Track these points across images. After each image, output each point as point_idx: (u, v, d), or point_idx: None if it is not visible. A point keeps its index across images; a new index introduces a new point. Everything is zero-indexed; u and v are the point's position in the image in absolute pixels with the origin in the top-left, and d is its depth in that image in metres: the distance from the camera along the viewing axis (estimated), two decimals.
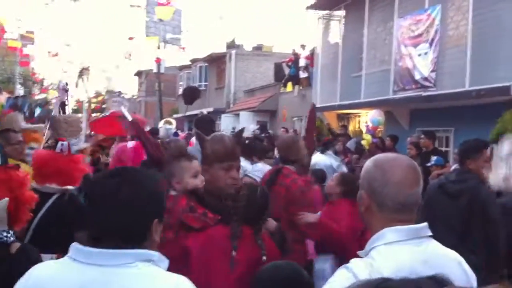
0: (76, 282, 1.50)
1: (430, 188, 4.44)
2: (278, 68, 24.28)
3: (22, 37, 28.89)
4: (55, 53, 34.49)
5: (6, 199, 2.44)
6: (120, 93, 46.64)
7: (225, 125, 25.11)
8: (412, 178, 1.80)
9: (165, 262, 1.61)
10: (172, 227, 2.93)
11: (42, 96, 41.07)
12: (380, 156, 1.93)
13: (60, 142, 4.06)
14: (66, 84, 9.50)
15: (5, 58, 32.34)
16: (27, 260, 2.26)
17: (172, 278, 1.58)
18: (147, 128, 9.60)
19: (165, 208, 1.75)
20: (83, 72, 33.94)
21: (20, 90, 36.52)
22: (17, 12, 34.72)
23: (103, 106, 43.63)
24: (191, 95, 13.36)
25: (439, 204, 4.13)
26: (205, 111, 27.08)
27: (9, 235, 2.43)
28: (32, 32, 31.55)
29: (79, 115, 9.22)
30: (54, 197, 3.61)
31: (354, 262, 1.73)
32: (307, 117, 5.78)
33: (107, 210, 1.56)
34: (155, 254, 1.57)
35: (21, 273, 1.62)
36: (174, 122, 11.63)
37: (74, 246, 1.57)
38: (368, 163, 1.89)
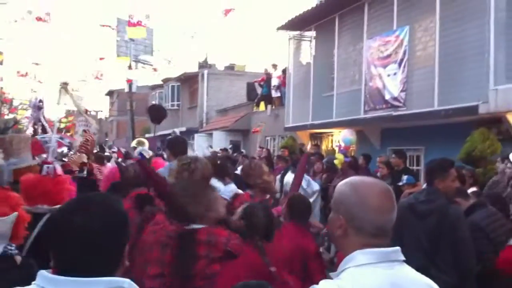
0: None
1: (399, 208, 4.42)
2: (250, 87, 24.40)
3: None
4: (24, 73, 33.98)
5: (16, 213, 2.75)
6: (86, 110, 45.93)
7: (199, 144, 25.03)
8: (389, 203, 1.83)
9: None
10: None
11: (11, 116, 40.36)
12: (355, 180, 1.92)
13: (45, 166, 4.37)
14: (40, 101, 9.07)
15: None
16: (31, 270, 2.55)
17: None
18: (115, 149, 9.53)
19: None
20: (64, 87, 33.31)
21: None
22: None
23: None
24: (157, 114, 12.89)
25: (408, 224, 4.14)
26: (178, 130, 26.96)
27: (13, 248, 2.78)
28: (0, 53, 31.04)
29: (23, 134, 8.85)
30: (46, 216, 3.69)
31: (322, 283, 1.73)
32: (299, 163, 5.76)
33: (75, 246, 1.52)
34: (126, 281, 1.55)
35: (27, 282, 1.62)
36: (146, 142, 11.55)
37: (42, 274, 1.53)
38: (344, 187, 1.88)
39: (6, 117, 41.08)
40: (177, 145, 5.62)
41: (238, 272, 2.82)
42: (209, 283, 2.81)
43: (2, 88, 40.03)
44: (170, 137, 6.37)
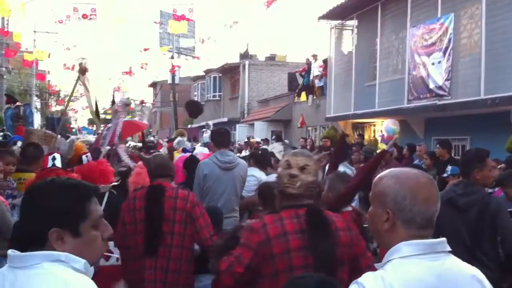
0: (2, 285, 1.66)
1: None
2: (291, 78, 24.35)
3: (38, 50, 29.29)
4: (70, 66, 34.94)
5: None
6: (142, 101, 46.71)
7: (240, 135, 25.20)
8: (435, 194, 1.83)
9: (79, 262, 1.69)
10: None
11: (59, 108, 41.65)
12: (397, 172, 1.89)
13: (84, 156, 5.13)
14: (128, 98, 9.15)
15: (20, 71, 32.79)
16: None
17: (68, 280, 1.62)
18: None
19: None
20: (83, 69, 33.99)
21: (36, 102, 37.07)
22: (33, 26, 35.15)
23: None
24: (194, 109, 13.41)
25: (448, 218, 4.04)
26: (211, 122, 27.20)
27: None
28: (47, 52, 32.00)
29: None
30: (107, 194, 4.67)
31: (364, 276, 1.74)
32: (336, 145, 5.65)
33: (19, 221, 1.78)
34: (61, 254, 1.67)
35: None
36: (185, 133, 11.84)
37: (8, 253, 1.71)
38: (387, 180, 1.86)
39: (53, 108, 42.45)
40: (219, 136, 5.72)
41: None
42: None
43: (49, 81, 41.29)
44: (213, 128, 6.46)
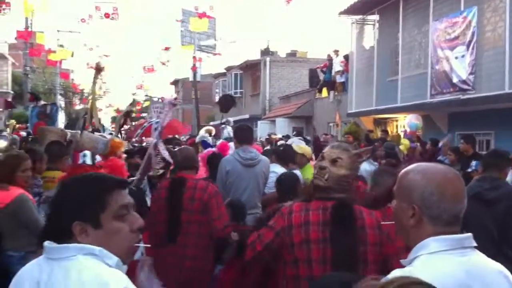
0: (36, 274, 1.73)
1: None
2: (312, 73, 24.25)
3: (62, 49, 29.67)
4: (94, 64, 35.34)
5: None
6: (162, 98, 47.20)
7: (262, 131, 25.23)
8: (462, 190, 1.79)
9: (112, 258, 1.74)
10: None
11: (82, 106, 42.17)
12: (424, 167, 1.85)
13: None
14: (176, 98, 9.30)
15: (45, 70, 33.28)
16: None
17: (101, 273, 1.67)
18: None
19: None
20: (100, 69, 34.42)
21: (60, 101, 37.61)
22: (56, 25, 35.75)
23: (143, 114, 44.37)
24: (226, 103, 13.56)
25: (475, 213, 4.04)
26: (232, 119, 27.19)
27: None
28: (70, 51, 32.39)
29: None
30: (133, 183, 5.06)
31: (393, 273, 1.70)
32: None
33: (53, 215, 1.82)
34: (96, 249, 1.72)
35: None
36: (213, 129, 11.91)
37: (44, 244, 1.77)
38: (413, 175, 1.83)
39: (77, 107, 43.02)
40: (241, 133, 5.76)
41: None
42: None
43: (73, 79, 41.85)
44: (235, 125, 6.49)
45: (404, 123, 13.93)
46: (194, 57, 27.98)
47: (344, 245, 2.71)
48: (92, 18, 21.60)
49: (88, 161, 4.62)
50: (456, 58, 11.76)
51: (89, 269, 1.68)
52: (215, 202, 4.18)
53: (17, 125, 16.94)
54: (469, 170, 8.05)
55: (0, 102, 24.58)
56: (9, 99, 31.34)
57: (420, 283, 1.03)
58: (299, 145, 7.05)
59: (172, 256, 4.12)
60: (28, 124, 10.13)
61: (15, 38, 32.53)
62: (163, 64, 28.73)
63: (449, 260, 1.69)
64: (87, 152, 4.68)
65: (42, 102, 11.59)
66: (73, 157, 4.78)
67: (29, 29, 24.70)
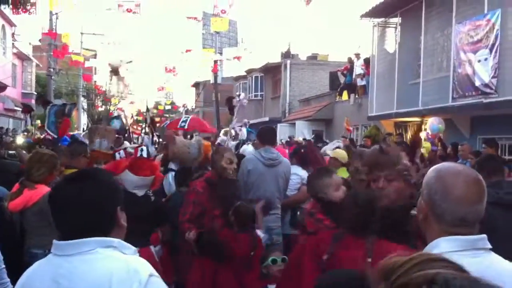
0: (51, 273, 1.73)
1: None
2: (333, 76, 24.22)
3: (85, 51, 30.12)
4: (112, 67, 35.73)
5: (153, 176, 5.05)
6: (185, 105, 47.73)
7: (282, 134, 25.24)
8: (474, 194, 1.75)
9: (130, 248, 1.79)
10: None
11: (105, 108, 42.64)
12: (444, 167, 1.86)
13: (116, 153, 6.07)
14: (248, 98, 9.47)
15: (68, 72, 33.75)
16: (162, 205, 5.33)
17: (127, 260, 1.73)
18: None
19: (122, 196, 1.91)
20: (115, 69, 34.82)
21: (83, 103, 38.08)
22: (80, 27, 36.17)
23: (165, 115, 44.75)
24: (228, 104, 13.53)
25: (497, 218, 3.99)
26: (261, 120, 27.20)
27: (150, 192, 5.03)
28: (94, 50, 32.78)
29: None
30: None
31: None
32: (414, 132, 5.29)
33: (71, 213, 1.78)
34: (115, 240, 1.76)
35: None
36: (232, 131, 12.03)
37: (53, 242, 1.79)
38: (431, 172, 1.84)
39: (100, 109, 43.50)
40: (265, 134, 5.84)
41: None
42: None
43: (95, 81, 42.32)
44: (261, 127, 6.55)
45: (426, 126, 13.83)
46: (215, 62, 28.06)
47: None
48: (116, 10, 21.59)
49: (145, 154, 5.29)
50: (479, 61, 11.65)
51: (115, 259, 1.72)
52: (186, 198, 4.97)
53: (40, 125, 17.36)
54: None
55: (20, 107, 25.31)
56: (33, 101, 31.90)
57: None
58: (334, 149, 7.12)
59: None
60: (46, 123, 10.22)
61: (39, 40, 33.14)
62: (184, 64, 28.93)
63: (460, 261, 1.66)
64: (144, 147, 5.45)
65: (62, 102, 11.79)
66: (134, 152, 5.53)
67: (54, 31, 25.10)
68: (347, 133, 19.00)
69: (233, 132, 11.38)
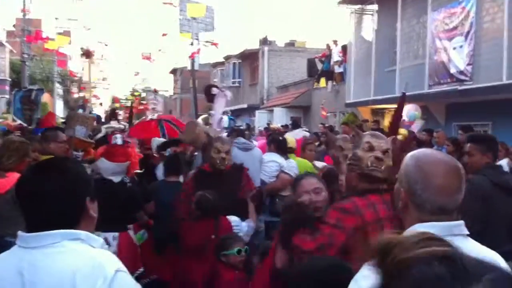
0: (15, 265, 1.67)
1: (481, 183, 3.93)
2: (311, 63, 24.23)
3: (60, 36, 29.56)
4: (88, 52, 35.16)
5: (128, 162, 5.24)
6: (155, 90, 47.20)
7: (260, 121, 25.23)
8: (455, 183, 1.75)
9: (98, 241, 1.73)
10: None
11: (81, 94, 42.07)
12: (421, 154, 1.83)
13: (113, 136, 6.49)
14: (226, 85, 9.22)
15: (42, 58, 33.14)
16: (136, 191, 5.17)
17: (93, 254, 1.67)
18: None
19: (93, 187, 1.84)
20: (89, 55, 34.35)
21: (58, 89, 37.51)
22: (54, 12, 35.57)
23: (143, 102, 44.27)
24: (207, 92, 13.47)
25: (496, 203, 3.80)
26: (239, 107, 27.05)
27: (127, 179, 5.14)
28: (68, 32, 32.22)
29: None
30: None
31: (412, 227, 1.70)
32: (397, 105, 5.12)
33: (36, 204, 1.72)
34: (82, 233, 1.70)
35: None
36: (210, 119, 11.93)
37: (18, 234, 1.73)
38: (409, 160, 1.81)
39: (75, 95, 42.91)
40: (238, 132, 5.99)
41: None
42: None
43: (69, 68, 41.69)
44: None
45: (403, 113, 13.93)
46: (192, 44, 27.79)
47: None
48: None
49: (119, 142, 5.48)
50: (454, 48, 11.77)
51: (80, 253, 1.66)
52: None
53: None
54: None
55: None
56: (7, 87, 31.28)
57: (439, 240, 1.02)
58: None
59: None
60: (12, 111, 9.79)
61: (13, 26, 32.43)
62: (159, 50, 28.64)
63: None
64: (118, 135, 5.70)
65: (28, 87, 11.39)
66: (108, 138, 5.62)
67: (26, 16, 24.59)
68: (323, 119, 19.11)
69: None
